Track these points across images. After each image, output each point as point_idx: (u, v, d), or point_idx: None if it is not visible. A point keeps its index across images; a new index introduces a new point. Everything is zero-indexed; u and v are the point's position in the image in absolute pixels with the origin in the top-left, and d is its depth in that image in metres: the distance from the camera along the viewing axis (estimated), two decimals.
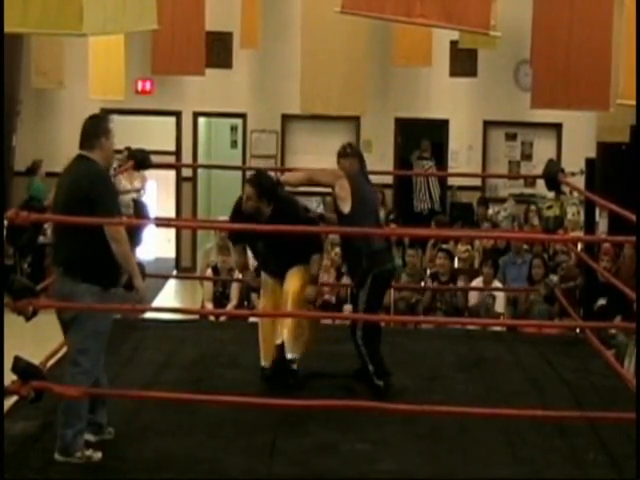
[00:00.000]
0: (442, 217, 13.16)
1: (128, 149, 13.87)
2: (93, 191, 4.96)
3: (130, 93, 13.05)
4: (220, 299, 9.72)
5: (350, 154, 6.39)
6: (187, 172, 14.96)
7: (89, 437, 5.19)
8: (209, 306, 9.69)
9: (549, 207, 12.94)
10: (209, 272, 10.03)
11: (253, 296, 9.74)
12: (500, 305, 9.93)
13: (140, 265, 5.69)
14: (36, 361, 5.34)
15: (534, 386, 6.52)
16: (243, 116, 14.90)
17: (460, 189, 14.33)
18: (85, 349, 5.01)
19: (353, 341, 6.19)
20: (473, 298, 10.04)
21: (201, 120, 15.35)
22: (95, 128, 5.11)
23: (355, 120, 14.32)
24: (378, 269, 6.06)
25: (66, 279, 5.03)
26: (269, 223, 6.03)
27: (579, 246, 8.65)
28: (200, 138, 15.40)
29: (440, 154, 14.63)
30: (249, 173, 15.54)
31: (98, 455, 5.08)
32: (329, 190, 6.47)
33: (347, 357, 6.60)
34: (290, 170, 8.62)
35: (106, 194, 5.03)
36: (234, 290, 9.60)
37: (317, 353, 6.48)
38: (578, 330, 8.02)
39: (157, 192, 15.10)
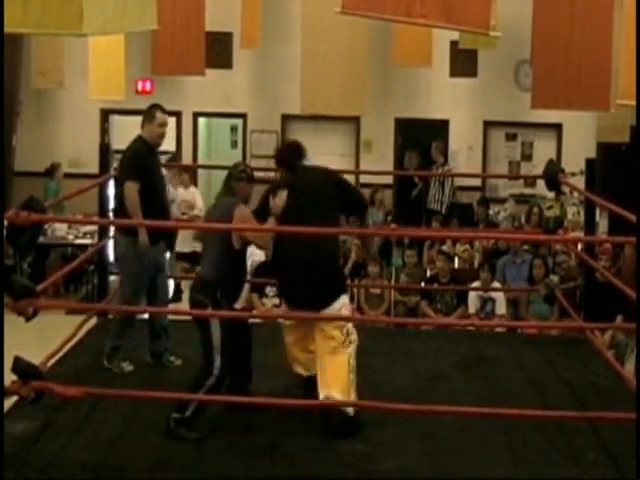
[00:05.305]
0: (440, 217, 13.15)
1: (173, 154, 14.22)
2: (124, 161, 6.73)
3: (130, 93, 13.04)
4: None
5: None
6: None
7: (150, 362, 6.73)
8: None
9: (549, 207, 12.94)
10: None
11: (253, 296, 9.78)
12: (500, 306, 9.92)
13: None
14: (36, 361, 5.33)
15: (534, 386, 6.52)
16: (243, 116, 14.91)
17: (460, 189, 14.32)
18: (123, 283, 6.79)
19: None
20: (472, 301, 10.05)
21: (201, 120, 15.35)
22: (144, 113, 6.83)
23: (355, 120, 14.33)
24: None
25: (115, 230, 7.12)
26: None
27: (579, 246, 8.65)
28: (200, 138, 15.40)
29: None
30: None
31: (129, 368, 6.57)
32: None
33: None
34: None
35: (131, 163, 6.62)
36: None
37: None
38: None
39: None
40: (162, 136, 6.80)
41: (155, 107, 6.83)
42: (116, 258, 7.01)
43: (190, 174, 13.29)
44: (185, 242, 12.70)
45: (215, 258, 5.66)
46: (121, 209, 6.64)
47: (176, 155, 14.44)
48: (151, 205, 6.52)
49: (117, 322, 6.77)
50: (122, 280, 6.84)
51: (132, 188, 6.49)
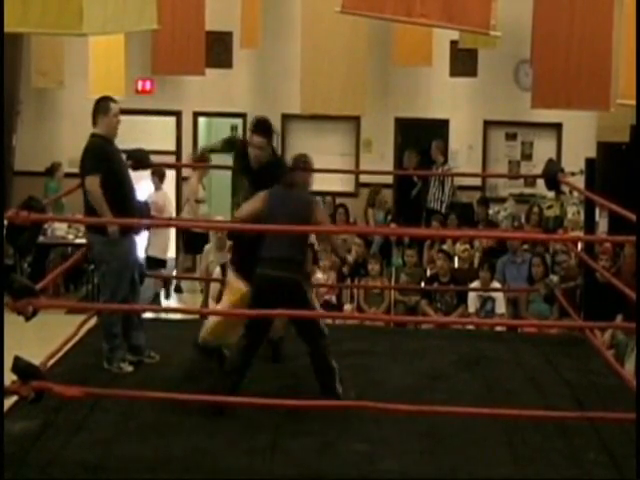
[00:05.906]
0: (440, 216, 13.14)
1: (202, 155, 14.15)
2: (83, 159, 6.42)
3: (130, 93, 13.05)
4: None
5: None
6: (187, 172, 14.95)
7: (129, 357, 6.56)
8: (212, 305, 9.67)
9: (549, 207, 12.95)
10: (217, 271, 10.01)
11: None
12: (500, 305, 9.92)
13: (146, 204, 7.17)
14: (36, 361, 5.33)
15: (534, 385, 6.52)
16: (243, 116, 14.89)
17: (460, 189, 14.32)
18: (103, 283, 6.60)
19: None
20: (472, 300, 10.05)
21: (201, 120, 15.35)
22: (95, 108, 6.53)
23: (355, 120, 14.33)
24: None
25: (86, 231, 6.87)
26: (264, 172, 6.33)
27: (579, 246, 8.65)
28: (200, 138, 15.40)
29: None
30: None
31: (129, 368, 6.45)
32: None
33: (347, 356, 6.61)
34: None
35: (90, 158, 6.38)
36: None
37: None
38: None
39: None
40: (117, 126, 6.57)
41: (106, 99, 6.61)
42: (92, 259, 6.86)
43: (160, 175, 12.98)
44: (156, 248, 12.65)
45: (299, 240, 6.01)
46: (90, 209, 6.41)
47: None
48: (117, 197, 6.34)
49: (104, 324, 6.63)
50: (102, 280, 6.64)
51: (93, 182, 6.27)
